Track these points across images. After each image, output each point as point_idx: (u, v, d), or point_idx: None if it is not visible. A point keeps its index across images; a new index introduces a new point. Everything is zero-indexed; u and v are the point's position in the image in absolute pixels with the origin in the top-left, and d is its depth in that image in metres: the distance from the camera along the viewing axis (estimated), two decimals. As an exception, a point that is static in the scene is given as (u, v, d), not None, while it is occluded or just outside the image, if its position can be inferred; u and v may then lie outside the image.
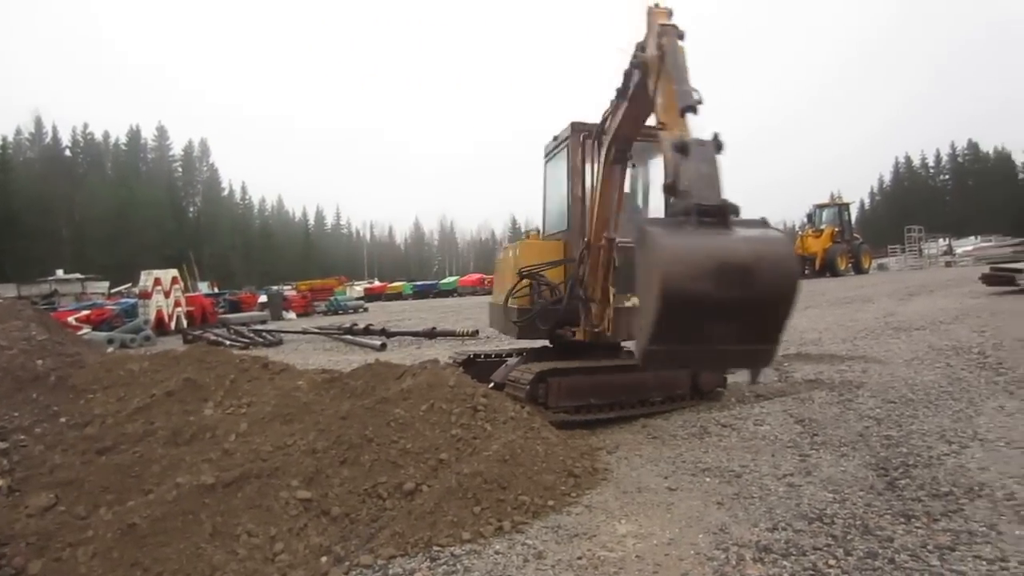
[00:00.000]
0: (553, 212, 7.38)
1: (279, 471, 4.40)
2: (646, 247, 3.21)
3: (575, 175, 6.64)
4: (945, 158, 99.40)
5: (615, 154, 5.68)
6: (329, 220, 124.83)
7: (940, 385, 6.78)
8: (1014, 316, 10.91)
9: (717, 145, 3.43)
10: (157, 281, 19.74)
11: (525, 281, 6.67)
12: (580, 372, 6.16)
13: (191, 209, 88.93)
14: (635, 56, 4.58)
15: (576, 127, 6.62)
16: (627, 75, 4.88)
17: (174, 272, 20.72)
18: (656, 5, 4.41)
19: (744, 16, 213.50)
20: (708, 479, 4.62)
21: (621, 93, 5.11)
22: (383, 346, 13.63)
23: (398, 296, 53.48)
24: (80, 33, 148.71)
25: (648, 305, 3.24)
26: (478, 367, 7.21)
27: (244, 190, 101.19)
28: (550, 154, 7.32)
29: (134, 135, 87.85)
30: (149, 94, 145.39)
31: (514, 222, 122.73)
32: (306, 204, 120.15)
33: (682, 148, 3.44)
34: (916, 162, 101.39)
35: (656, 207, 6.98)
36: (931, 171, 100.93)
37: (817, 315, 12.85)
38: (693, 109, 3.72)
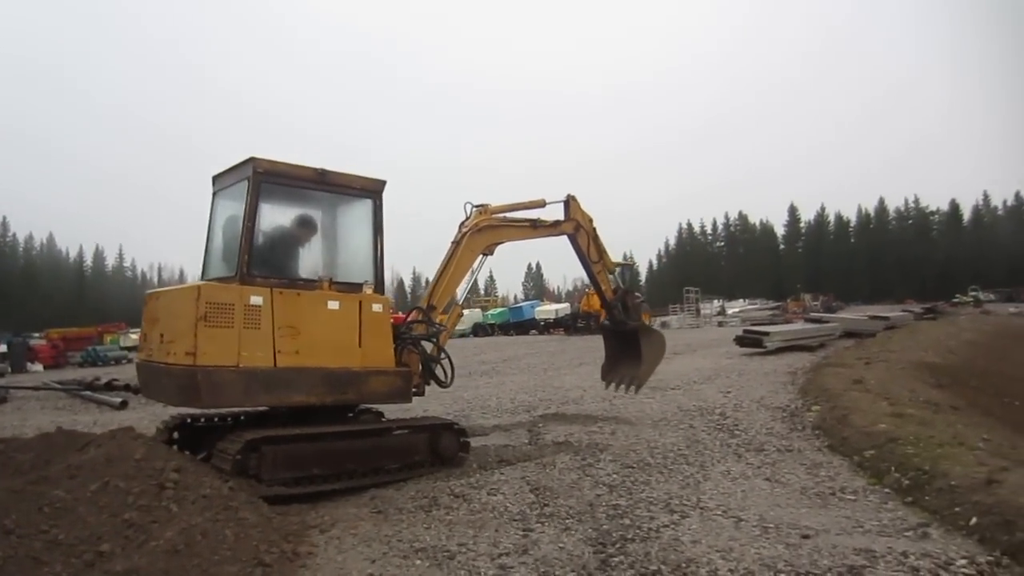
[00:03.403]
0: (218, 252, 6.32)
1: None
2: (656, 333, 9.45)
3: (250, 217, 5.64)
4: (720, 226, 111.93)
5: (489, 248, 7.53)
6: (110, 260, 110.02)
7: (679, 448, 6.95)
8: (757, 377, 11.89)
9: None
10: None
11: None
12: (302, 439, 5.49)
13: None
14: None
15: (258, 165, 5.67)
16: (554, 223, 8.19)
17: None
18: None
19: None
20: (419, 561, 4.16)
21: (535, 224, 8.00)
22: (123, 404, 11.81)
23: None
24: None
25: (657, 360, 9.15)
26: (193, 433, 6.23)
27: (5, 225, 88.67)
28: (222, 188, 6.37)
29: None
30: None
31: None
32: (83, 243, 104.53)
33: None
34: (697, 228, 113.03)
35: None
36: (709, 237, 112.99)
37: (587, 372, 13.19)
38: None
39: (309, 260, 6.23)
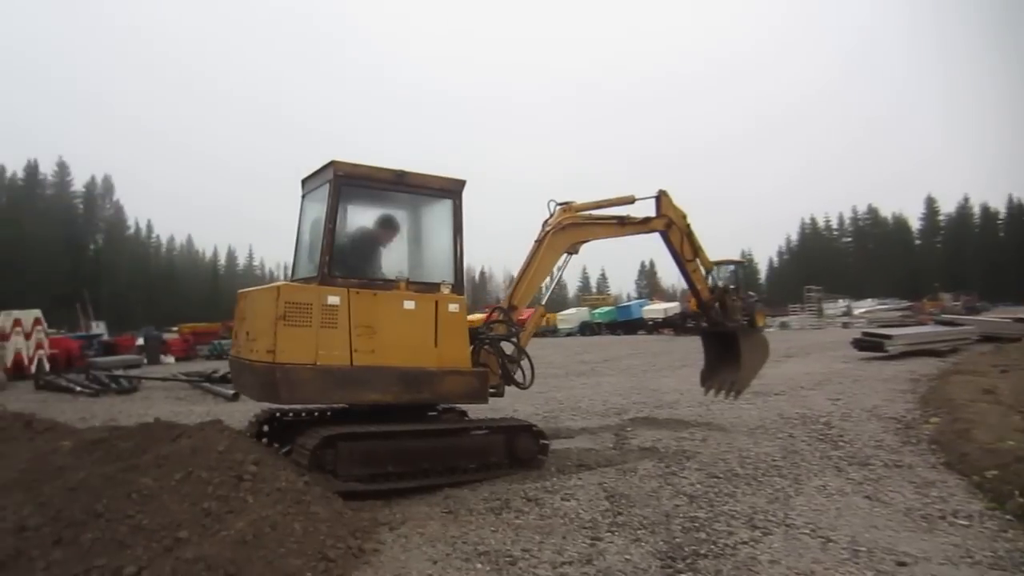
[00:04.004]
0: (305, 253, 6.56)
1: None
2: (757, 336, 9.49)
3: (331, 219, 5.78)
4: (847, 221, 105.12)
5: (573, 247, 7.40)
6: (241, 260, 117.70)
7: (773, 459, 6.55)
8: (874, 384, 11.08)
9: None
10: (17, 322, 18.10)
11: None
12: (378, 437, 5.57)
13: (91, 247, 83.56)
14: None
15: (338, 168, 5.82)
16: (644, 220, 7.89)
17: (36, 313, 19.04)
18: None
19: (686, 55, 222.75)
20: (480, 565, 4.11)
21: (623, 222, 7.69)
22: (235, 395, 12.55)
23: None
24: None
25: (758, 364, 8.70)
26: (281, 427, 6.47)
27: (150, 228, 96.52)
28: (309, 191, 6.58)
29: (31, 170, 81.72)
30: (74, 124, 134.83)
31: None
32: (217, 244, 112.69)
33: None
34: (821, 223, 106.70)
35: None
36: (834, 233, 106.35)
37: (687, 375, 12.75)
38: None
39: (390, 260, 6.32)
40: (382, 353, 5.66)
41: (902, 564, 4.01)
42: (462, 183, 6.33)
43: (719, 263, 31.28)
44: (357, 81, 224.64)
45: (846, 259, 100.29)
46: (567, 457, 6.71)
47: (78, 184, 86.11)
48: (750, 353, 8.39)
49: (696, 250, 8.22)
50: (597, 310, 42.53)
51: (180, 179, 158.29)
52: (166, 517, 4.13)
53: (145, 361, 23.42)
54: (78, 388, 14.23)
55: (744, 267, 33.40)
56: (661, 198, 7.93)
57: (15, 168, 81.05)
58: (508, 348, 6.75)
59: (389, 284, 5.99)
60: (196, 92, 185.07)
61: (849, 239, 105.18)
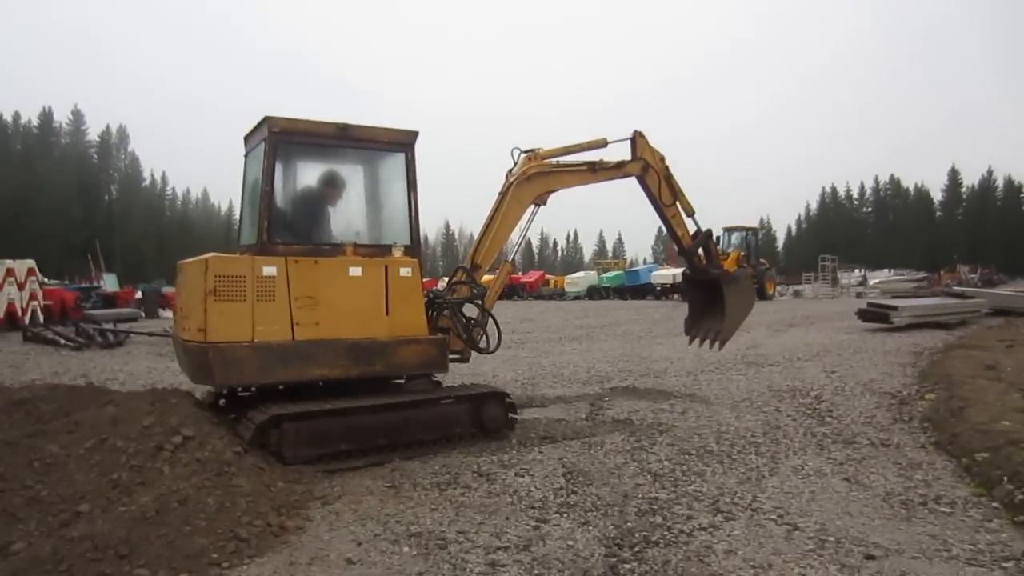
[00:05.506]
0: (247, 220, 6.09)
1: None
2: (742, 281, 8.41)
3: (268, 181, 5.35)
4: (868, 191, 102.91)
5: (540, 198, 6.90)
6: None
7: (753, 434, 6.17)
8: (874, 356, 10.63)
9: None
10: (9, 272, 17.85)
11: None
12: (330, 414, 5.19)
13: (105, 197, 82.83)
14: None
15: (273, 125, 5.38)
16: (618, 164, 7.24)
17: (30, 263, 18.79)
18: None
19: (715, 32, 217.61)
20: (406, 548, 3.77)
21: (594, 167, 7.10)
22: None
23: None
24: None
25: (743, 312, 8.15)
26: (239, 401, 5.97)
27: (164, 179, 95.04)
28: (250, 150, 6.12)
29: (46, 117, 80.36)
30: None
31: (447, 227, 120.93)
32: (233, 198, 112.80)
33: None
34: (841, 192, 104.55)
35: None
36: (855, 203, 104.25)
37: (683, 342, 12.25)
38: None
39: (338, 223, 5.90)
40: (327, 325, 5.27)
41: (870, 557, 3.62)
42: (414, 134, 5.86)
43: (730, 229, 30.75)
44: (377, 32, 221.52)
45: (865, 229, 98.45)
46: (533, 428, 6.36)
47: (93, 134, 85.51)
48: (735, 300, 7.85)
49: (676, 194, 7.59)
50: (606, 274, 41.95)
51: (195, 132, 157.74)
52: (68, 488, 3.84)
53: (143, 315, 23.13)
54: (62, 341, 14.01)
55: (756, 234, 32.53)
56: (636, 140, 7.32)
57: (30, 115, 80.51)
58: (474, 311, 6.37)
59: (335, 250, 5.57)
60: (216, 45, 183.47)
61: (869, 209, 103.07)
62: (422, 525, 4.10)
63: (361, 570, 3.54)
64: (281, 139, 5.38)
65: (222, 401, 5.97)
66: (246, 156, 6.16)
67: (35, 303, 18.51)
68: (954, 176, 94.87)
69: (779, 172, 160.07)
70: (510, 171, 6.83)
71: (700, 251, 7.88)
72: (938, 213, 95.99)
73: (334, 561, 3.62)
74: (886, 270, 59.02)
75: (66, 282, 31.59)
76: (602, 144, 7.13)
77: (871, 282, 45.76)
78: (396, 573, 3.49)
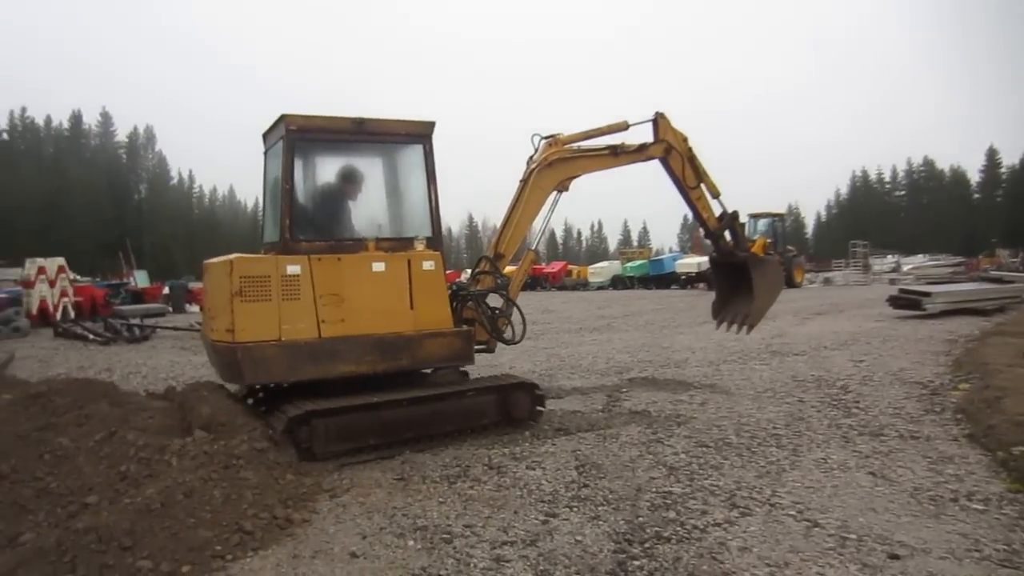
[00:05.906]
0: (270, 219, 6.06)
1: None
2: (770, 263, 8.27)
3: (287, 179, 5.36)
4: (901, 173, 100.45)
5: (562, 184, 6.76)
6: None
7: (775, 426, 5.98)
8: (905, 344, 10.32)
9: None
10: (41, 270, 18.29)
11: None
12: (357, 410, 5.16)
13: (135, 197, 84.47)
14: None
15: (290, 122, 5.38)
16: (640, 147, 7.07)
17: (60, 261, 19.23)
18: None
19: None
20: (411, 543, 3.70)
21: (616, 151, 6.97)
22: None
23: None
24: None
25: (773, 295, 7.91)
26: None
27: (192, 178, 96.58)
28: (268, 148, 6.12)
29: (76, 120, 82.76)
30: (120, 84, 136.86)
31: (471, 220, 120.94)
32: (259, 195, 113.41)
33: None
34: (872, 176, 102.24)
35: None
36: (887, 186, 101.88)
37: (706, 332, 12.07)
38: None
39: (360, 217, 5.87)
40: (353, 322, 5.26)
41: (895, 557, 3.45)
42: (431, 125, 5.78)
43: (756, 215, 30.19)
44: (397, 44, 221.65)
45: (898, 213, 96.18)
46: (548, 420, 6.24)
47: (121, 135, 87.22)
48: (763, 282, 7.63)
49: (700, 175, 7.40)
50: (630, 263, 41.52)
51: (218, 138, 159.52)
52: (77, 480, 3.83)
53: (170, 310, 23.58)
54: (91, 336, 14.29)
55: (783, 220, 31.97)
56: (658, 121, 7.15)
57: (60, 118, 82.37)
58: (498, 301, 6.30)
59: (357, 244, 5.53)
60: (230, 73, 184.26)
61: (902, 192, 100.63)
62: (428, 519, 4.02)
63: (364, 564, 3.47)
64: (298, 136, 5.36)
65: (250, 400, 6.01)
66: (265, 154, 6.17)
67: (66, 300, 18.93)
68: (992, 156, 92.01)
69: (803, 151, 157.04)
70: (531, 158, 6.71)
71: (727, 234, 7.69)
72: (975, 195, 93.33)
73: (337, 554, 3.57)
74: (921, 256, 57.55)
75: (96, 279, 32.20)
76: (623, 127, 7.00)
77: (905, 268, 44.65)
78: (399, 567, 3.42)
